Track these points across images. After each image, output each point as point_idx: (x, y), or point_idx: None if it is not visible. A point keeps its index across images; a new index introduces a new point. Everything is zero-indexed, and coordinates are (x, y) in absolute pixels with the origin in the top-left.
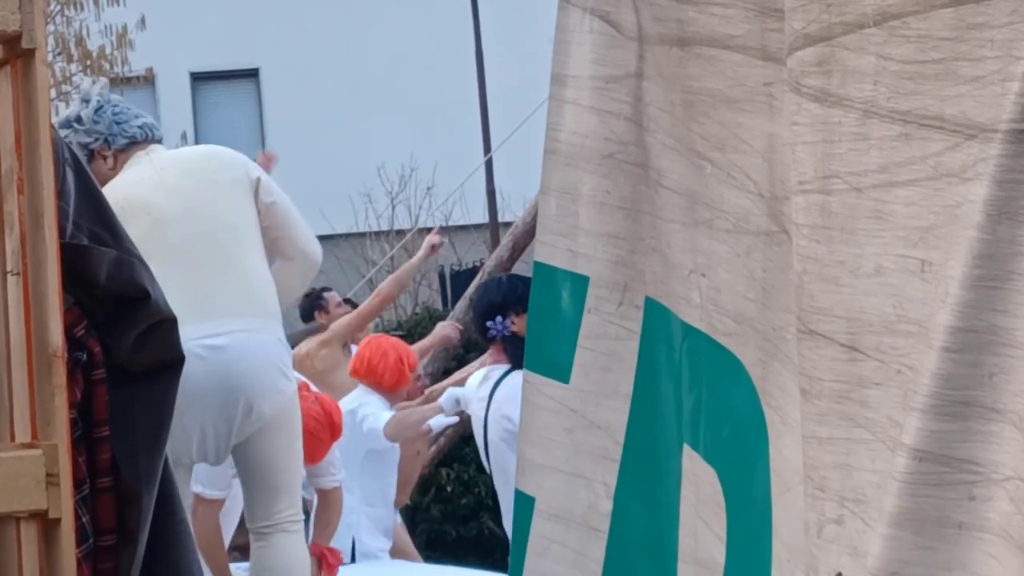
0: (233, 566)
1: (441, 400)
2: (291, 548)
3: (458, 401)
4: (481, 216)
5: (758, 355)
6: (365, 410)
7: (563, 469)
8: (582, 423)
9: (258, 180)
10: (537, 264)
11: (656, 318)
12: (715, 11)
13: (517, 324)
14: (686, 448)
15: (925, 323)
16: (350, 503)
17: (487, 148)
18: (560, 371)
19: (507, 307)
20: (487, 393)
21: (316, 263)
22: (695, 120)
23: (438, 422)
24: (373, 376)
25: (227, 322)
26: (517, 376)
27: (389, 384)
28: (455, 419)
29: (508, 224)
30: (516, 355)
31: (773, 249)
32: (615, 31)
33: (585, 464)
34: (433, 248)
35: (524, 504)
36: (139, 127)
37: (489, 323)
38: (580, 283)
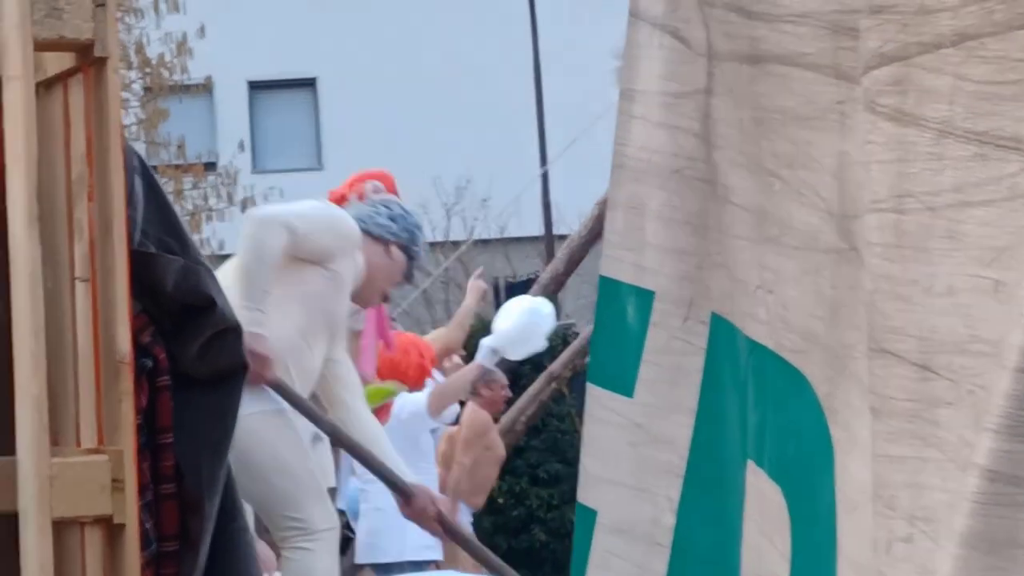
0: None
1: (478, 358)
2: (302, 568)
3: (494, 350)
4: (536, 228)
5: (825, 372)
6: (397, 402)
7: (626, 483)
8: (646, 437)
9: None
10: (602, 278)
11: (722, 334)
12: (787, 29)
13: None
14: (751, 464)
15: (998, 343)
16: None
17: (543, 160)
18: (624, 385)
19: None
20: None
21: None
22: (765, 137)
23: (489, 363)
24: (397, 374)
25: None
26: None
27: (414, 379)
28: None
29: (563, 236)
30: None
31: (842, 267)
32: (685, 47)
33: (649, 478)
34: (483, 294)
35: (586, 517)
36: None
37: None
38: (646, 297)
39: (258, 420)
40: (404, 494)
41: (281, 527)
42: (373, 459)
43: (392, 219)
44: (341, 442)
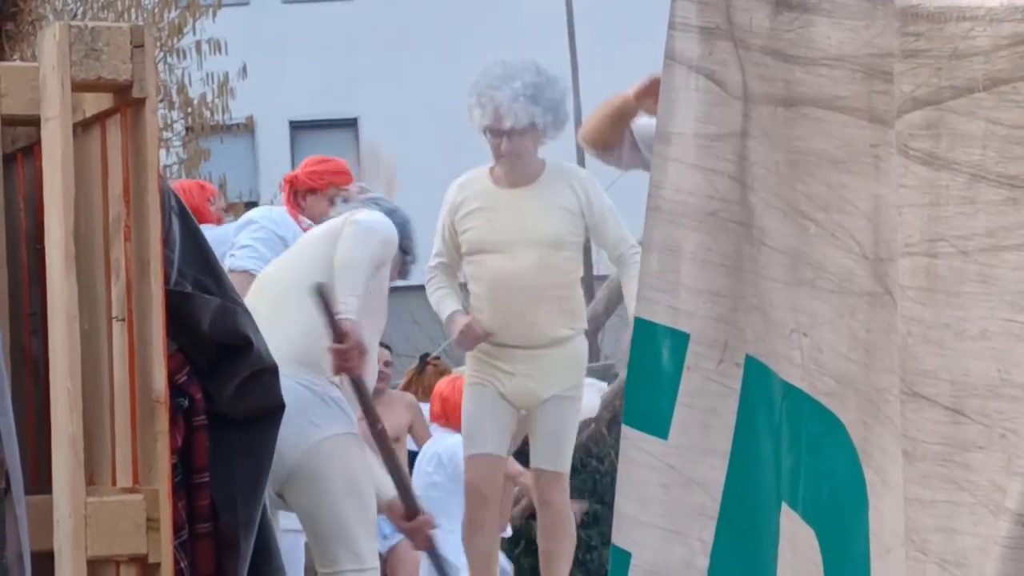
0: None
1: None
2: None
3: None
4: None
5: (859, 416)
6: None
7: (659, 525)
8: (680, 479)
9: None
10: (638, 320)
11: (756, 376)
12: (822, 72)
13: None
14: (784, 507)
15: None
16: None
17: None
18: (659, 427)
19: None
20: None
21: (372, 227)
22: (800, 180)
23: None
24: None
25: None
26: None
27: None
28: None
29: (603, 277)
30: None
31: (877, 310)
32: (721, 89)
33: (682, 520)
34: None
35: (620, 559)
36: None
37: None
38: (680, 340)
39: (337, 442)
40: (411, 508)
41: (335, 558)
42: (401, 470)
43: (386, 216)
44: (384, 448)
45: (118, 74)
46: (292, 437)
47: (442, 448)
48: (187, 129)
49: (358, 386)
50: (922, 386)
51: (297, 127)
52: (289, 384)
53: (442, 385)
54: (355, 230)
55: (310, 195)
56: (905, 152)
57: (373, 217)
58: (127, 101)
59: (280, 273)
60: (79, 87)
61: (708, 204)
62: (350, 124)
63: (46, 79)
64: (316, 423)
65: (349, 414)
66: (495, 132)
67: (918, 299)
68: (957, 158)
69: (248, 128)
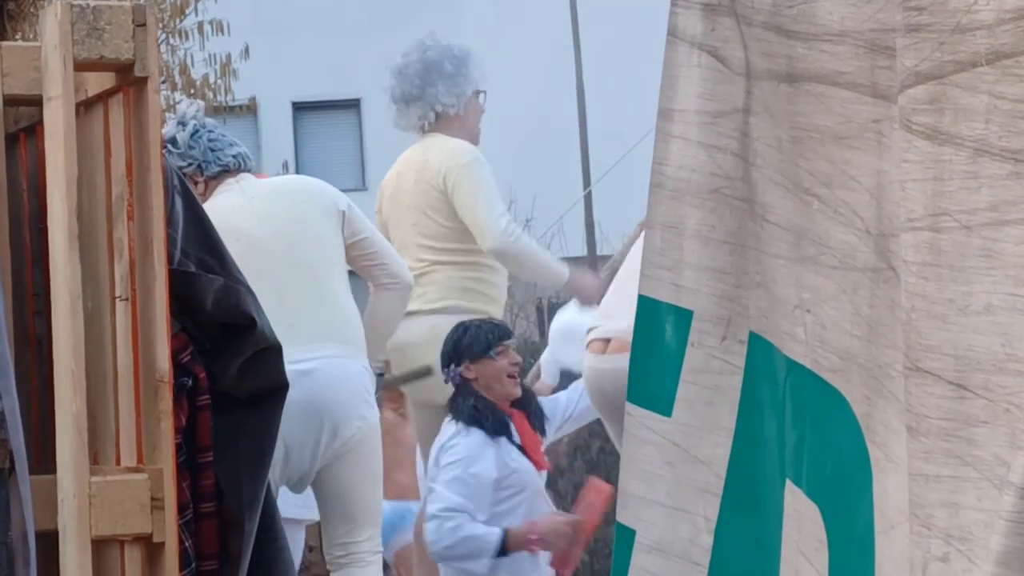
0: None
1: (546, 379)
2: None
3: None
4: (579, 249)
5: (863, 392)
6: None
7: (664, 503)
8: (684, 457)
9: (344, 213)
10: (641, 297)
11: (760, 353)
12: (825, 48)
13: (472, 370)
14: (789, 484)
15: None
16: None
17: (586, 181)
18: (662, 404)
19: (461, 356)
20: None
21: (410, 285)
22: (802, 156)
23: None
24: None
25: (316, 347)
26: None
27: None
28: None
29: (606, 257)
30: (460, 405)
31: (880, 286)
32: (723, 66)
33: (686, 498)
34: None
35: (624, 536)
36: (233, 156)
37: (444, 370)
38: (684, 317)
39: (378, 428)
40: None
41: (361, 537)
42: None
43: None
44: None
45: (120, 53)
46: (355, 416)
47: None
48: None
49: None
50: (926, 361)
51: (300, 108)
52: (356, 367)
53: None
54: (399, 292)
55: None
56: (908, 127)
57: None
58: (129, 80)
59: (299, 243)
60: (81, 66)
61: (711, 181)
62: (353, 105)
63: (48, 59)
64: (371, 403)
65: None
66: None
67: (922, 274)
68: (960, 132)
69: (251, 109)
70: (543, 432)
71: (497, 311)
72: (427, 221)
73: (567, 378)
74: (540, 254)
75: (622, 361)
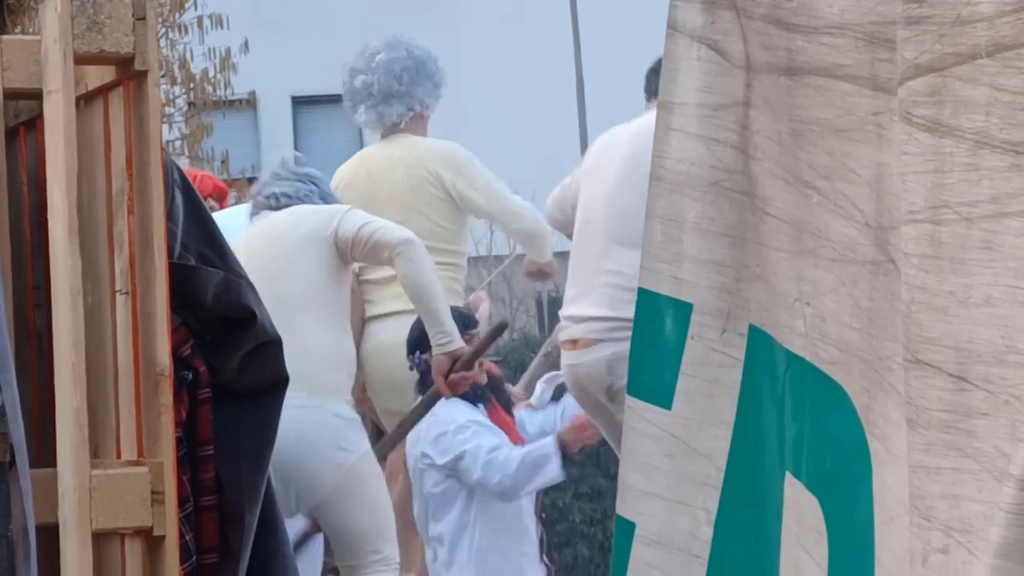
0: None
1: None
2: None
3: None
4: None
5: (863, 384)
6: None
7: (664, 495)
8: (684, 450)
9: (334, 233)
10: (641, 290)
11: (760, 346)
12: (825, 40)
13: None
14: (788, 476)
15: None
16: None
17: None
18: (662, 397)
19: (424, 343)
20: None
21: (408, 239)
22: (802, 149)
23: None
24: None
25: None
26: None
27: None
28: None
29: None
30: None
31: (879, 279)
32: (723, 59)
33: (686, 491)
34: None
35: (624, 529)
36: (266, 196)
37: (409, 357)
38: (684, 310)
39: (364, 461)
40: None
41: (367, 559)
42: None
43: (323, 199)
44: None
45: (120, 47)
46: (328, 467)
47: None
48: (189, 105)
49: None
50: (926, 353)
51: (299, 102)
52: (322, 415)
53: None
54: (414, 255)
55: None
56: (908, 119)
57: (401, 228)
58: (129, 74)
59: (273, 280)
60: (81, 60)
61: (710, 174)
62: None
63: (48, 52)
64: (347, 448)
65: (363, 430)
66: None
67: (922, 266)
68: (961, 125)
69: (250, 104)
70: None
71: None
72: (419, 219)
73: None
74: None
75: (590, 354)
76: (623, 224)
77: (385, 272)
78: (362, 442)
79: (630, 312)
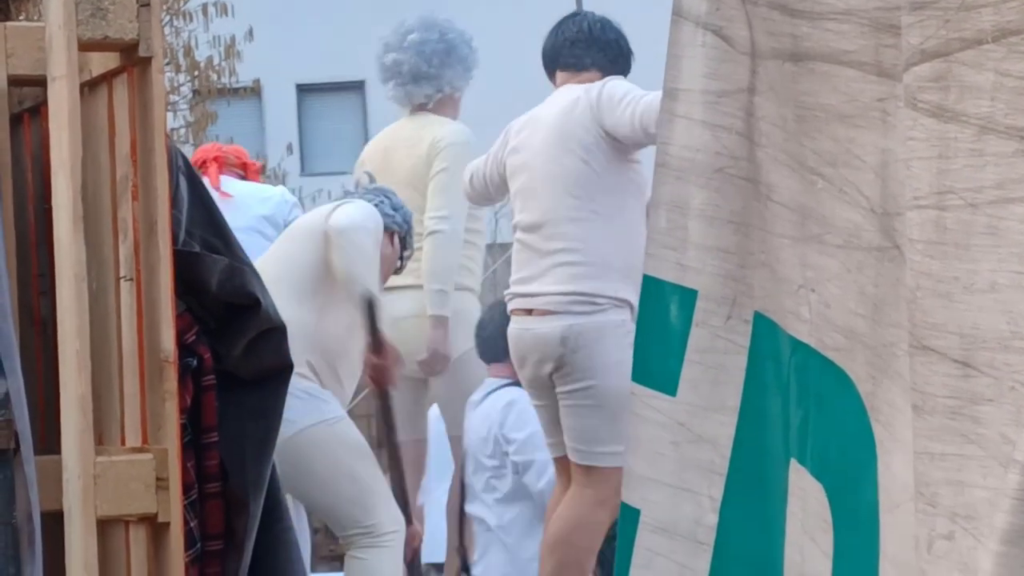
0: None
1: None
2: (369, 567)
3: None
4: None
5: (867, 371)
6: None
7: (669, 482)
8: (689, 436)
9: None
10: (646, 277)
11: (765, 332)
12: (829, 26)
13: None
14: (793, 463)
15: None
16: None
17: None
18: (667, 384)
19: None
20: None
21: (339, 229)
22: (807, 135)
23: None
24: None
25: None
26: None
27: None
28: None
29: None
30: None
31: (885, 265)
32: (728, 45)
33: (691, 477)
34: None
35: (629, 516)
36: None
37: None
38: (688, 296)
39: (311, 434)
40: (407, 515)
41: (349, 531)
42: (402, 469)
43: (395, 209)
44: (393, 458)
45: (124, 33)
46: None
47: None
48: (194, 92)
49: (385, 400)
50: (931, 339)
51: (304, 90)
52: None
53: None
54: (343, 242)
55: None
56: (913, 105)
57: (351, 218)
58: (133, 60)
59: (262, 267)
60: (85, 47)
61: (715, 160)
62: (357, 87)
63: (52, 39)
64: (290, 419)
65: (323, 400)
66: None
67: (927, 252)
68: (966, 110)
69: (255, 91)
70: None
71: (477, 286)
72: (419, 198)
73: None
74: (454, 260)
75: (544, 323)
76: (568, 201)
77: None
78: (310, 413)
79: (587, 286)
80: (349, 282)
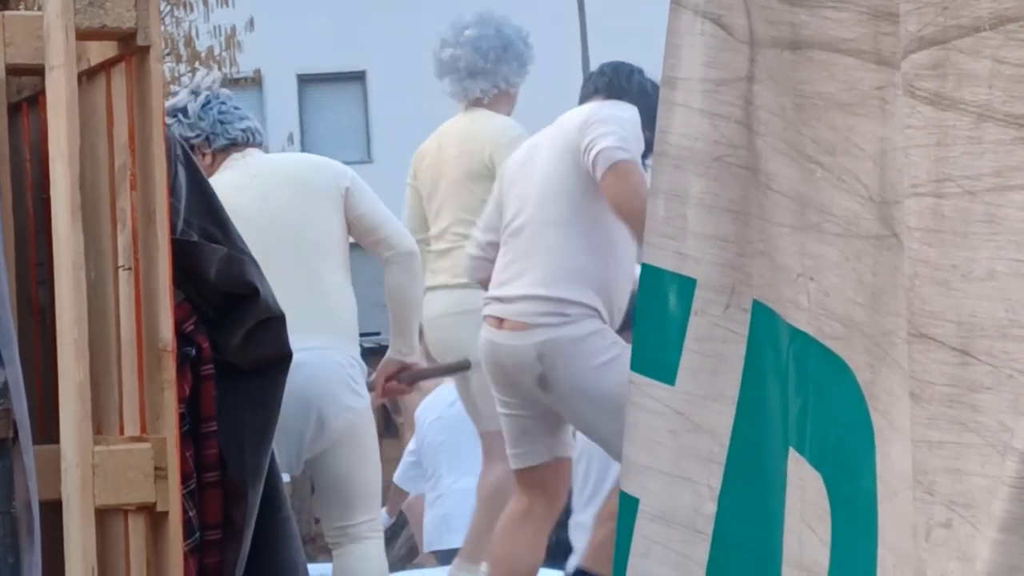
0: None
1: None
2: (367, 554)
3: None
4: None
5: (866, 359)
6: None
7: (667, 471)
8: (687, 425)
9: (347, 191)
10: (644, 266)
11: (763, 321)
12: (828, 14)
13: None
14: (792, 452)
15: None
16: (464, 487)
17: None
18: (666, 373)
19: None
20: None
21: (409, 252)
22: (806, 124)
23: None
24: None
25: (305, 338)
26: None
27: None
28: None
29: None
30: None
31: (883, 253)
32: (726, 34)
33: (690, 466)
34: None
35: (628, 505)
36: (242, 130)
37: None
38: (687, 285)
39: (370, 409)
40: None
41: (358, 519)
42: None
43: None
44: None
45: (122, 22)
46: (339, 408)
47: None
48: None
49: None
50: (929, 327)
51: (305, 80)
52: (343, 357)
53: None
54: (417, 269)
55: None
56: (911, 92)
57: (412, 243)
58: (131, 49)
59: (292, 227)
60: (83, 36)
61: (714, 149)
62: (358, 77)
63: (50, 28)
64: (359, 392)
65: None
66: None
67: (925, 240)
68: (964, 98)
69: (256, 81)
70: None
71: None
72: (467, 194)
73: None
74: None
75: (517, 339)
76: (552, 205)
77: (443, 244)
78: (367, 391)
79: (563, 292)
80: (405, 308)
